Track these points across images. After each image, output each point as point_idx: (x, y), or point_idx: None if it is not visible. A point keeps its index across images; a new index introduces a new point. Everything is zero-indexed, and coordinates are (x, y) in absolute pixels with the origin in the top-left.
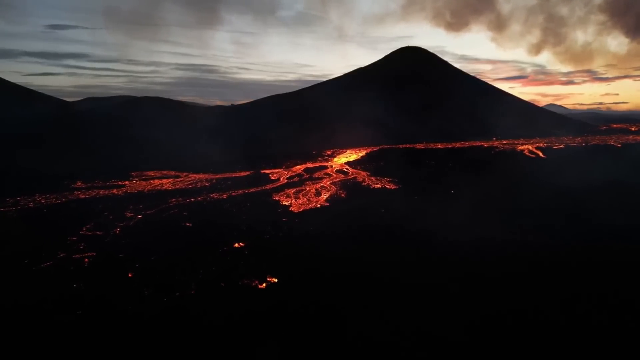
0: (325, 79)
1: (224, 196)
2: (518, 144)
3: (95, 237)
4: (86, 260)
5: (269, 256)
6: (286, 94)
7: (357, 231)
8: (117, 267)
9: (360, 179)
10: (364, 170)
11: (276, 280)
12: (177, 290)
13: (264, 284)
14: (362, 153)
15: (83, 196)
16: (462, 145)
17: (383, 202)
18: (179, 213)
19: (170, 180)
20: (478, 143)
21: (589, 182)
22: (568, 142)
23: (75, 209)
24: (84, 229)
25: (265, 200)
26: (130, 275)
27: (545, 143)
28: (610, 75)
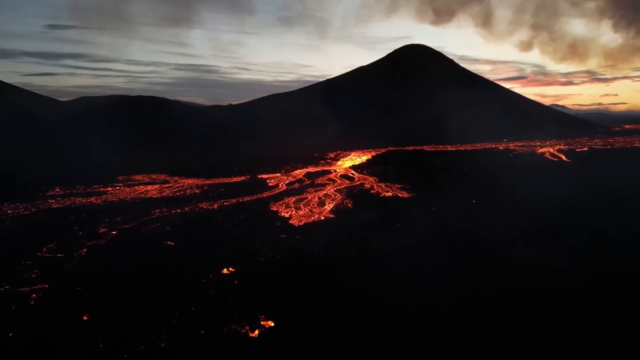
0: (324, 79)
1: (215, 206)
2: (535, 146)
3: (54, 261)
4: (34, 295)
5: (264, 287)
6: (285, 93)
7: (371, 253)
8: (72, 305)
9: (368, 186)
10: (371, 175)
11: (272, 325)
12: (142, 341)
13: (256, 331)
14: (368, 156)
15: (56, 205)
16: (474, 147)
17: (397, 214)
18: (161, 228)
19: (157, 186)
20: (491, 145)
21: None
22: (589, 144)
23: (42, 222)
24: (45, 249)
25: (261, 211)
26: (85, 317)
27: (565, 145)
28: (609, 76)
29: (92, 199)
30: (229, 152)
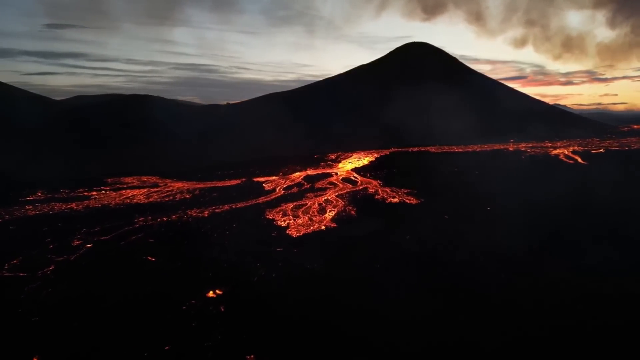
0: (323, 79)
1: (205, 214)
2: (547, 147)
3: (13, 283)
4: None
5: (254, 317)
6: (284, 92)
7: (380, 270)
8: (21, 343)
9: (372, 190)
10: (375, 178)
11: None
12: None
13: None
14: (371, 157)
15: (33, 212)
16: (482, 149)
17: (406, 224)
18: (143, 240)
19: (144, 190)
20: (500, 146)
21: None
22: (603, 145)
23: (12, 232)
24: (7, 266)
25: (256, 220)
26: None
27: (578, 146)
28: (609, 76)
29: (73, 204)
30: (225, 153)
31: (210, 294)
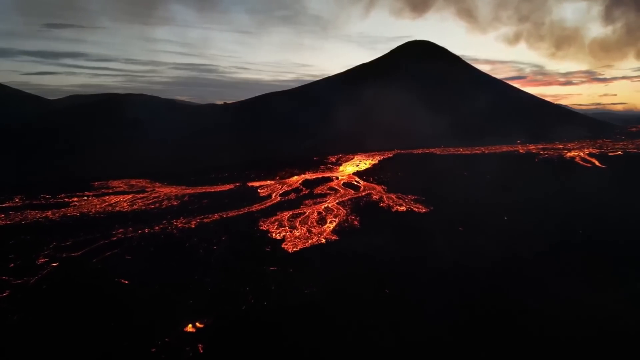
0: (323, 78)
1: (192, 224)
2: (560, 149)
3: None
4: None
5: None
6: (283, 91)
7: (391, 297)
8: None
9: (377, 197)
10: (378, 183)
11: None
12: None
13: None
14: (374, 160)
15: (3, 222)
16: (490, 150)
17: (416, 238)
18: (119, 257)
19: (130, 196)
20: (508, 148)
21: None
22: (617, 146)
23: None
24: None
25: (248, 232)
26: None
27: (593, 148)
28: (608, 76)
29: (49, 212)
30: (222, 154)
31: (189, 328)
